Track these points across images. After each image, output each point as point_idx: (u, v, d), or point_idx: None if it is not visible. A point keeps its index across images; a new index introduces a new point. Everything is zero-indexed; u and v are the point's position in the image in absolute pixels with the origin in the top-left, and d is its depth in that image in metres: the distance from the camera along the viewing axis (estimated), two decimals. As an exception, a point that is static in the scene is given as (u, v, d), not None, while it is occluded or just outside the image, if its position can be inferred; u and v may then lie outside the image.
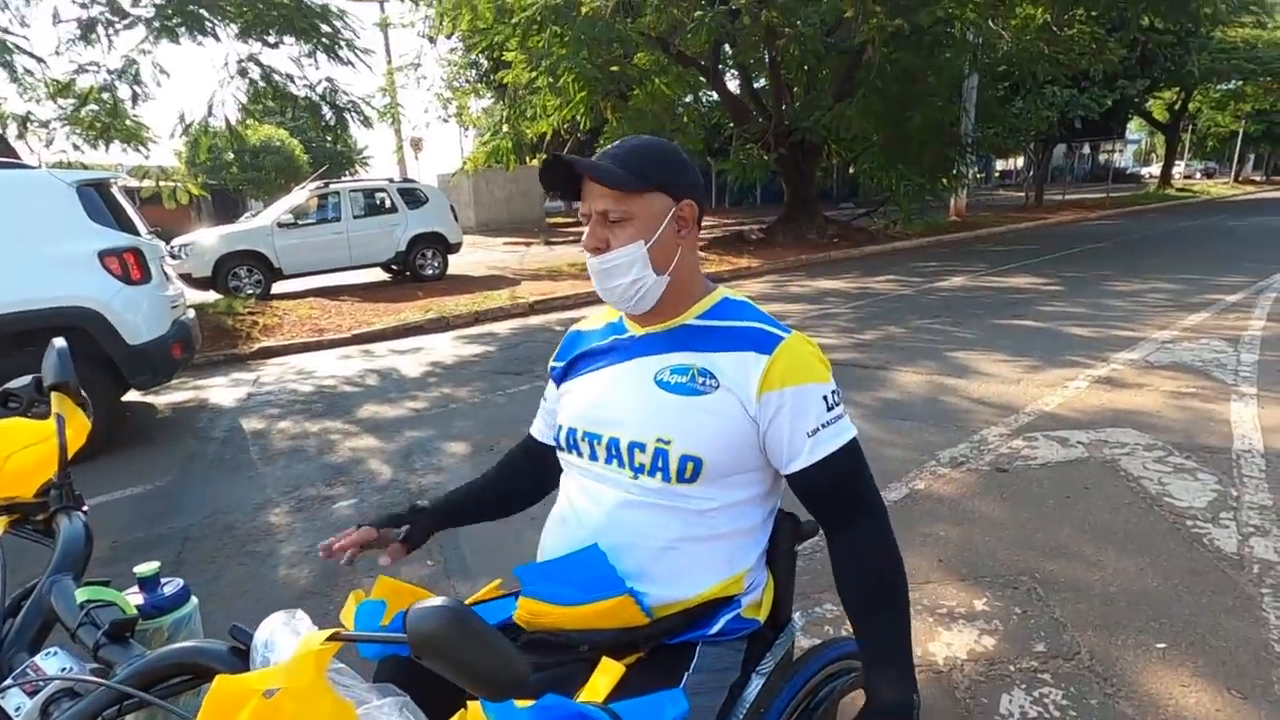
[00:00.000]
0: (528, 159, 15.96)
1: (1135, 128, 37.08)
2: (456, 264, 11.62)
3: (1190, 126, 33.39)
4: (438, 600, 0.60)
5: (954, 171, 14.20)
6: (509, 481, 1.27)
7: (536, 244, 16.22)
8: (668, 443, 0.97)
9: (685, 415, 0.97)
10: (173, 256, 8.35)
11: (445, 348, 6.64)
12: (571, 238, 17.71)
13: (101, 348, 3.97)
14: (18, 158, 6.78)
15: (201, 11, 6.98)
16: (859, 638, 0.99)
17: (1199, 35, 18.67)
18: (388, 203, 10.78)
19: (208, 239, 9.71)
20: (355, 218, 10.43)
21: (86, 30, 7.21)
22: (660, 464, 0.98)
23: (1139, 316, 6.08)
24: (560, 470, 1.19)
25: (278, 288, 9.95)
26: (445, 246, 11.10)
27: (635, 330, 1.08)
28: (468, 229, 12.92)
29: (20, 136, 8.33)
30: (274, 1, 7.25)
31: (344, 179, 14.02)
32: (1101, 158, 34.63)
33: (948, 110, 13.44)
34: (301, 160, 28.60)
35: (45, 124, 8.49)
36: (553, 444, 1.17)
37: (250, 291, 9.43)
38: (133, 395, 5.00)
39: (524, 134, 13.24)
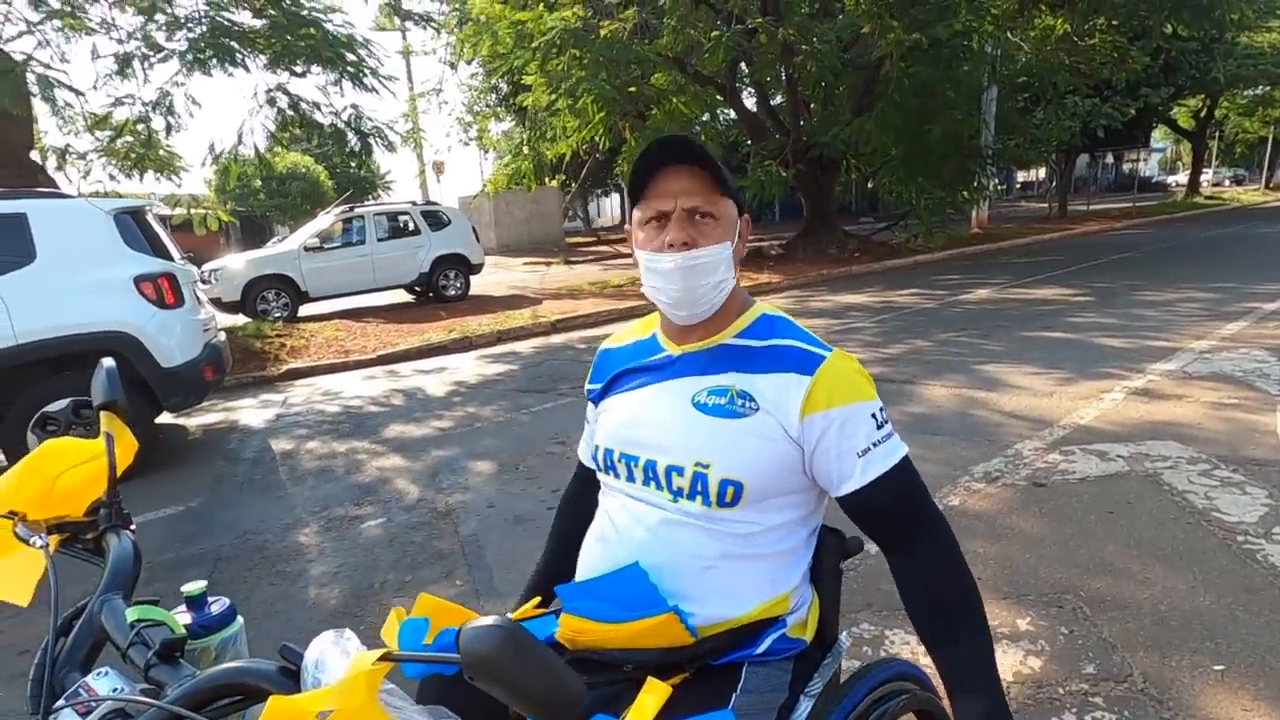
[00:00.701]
0: (547, 180, 16.16)
1: (1160, 136, 36.55)
2: (478, 284, 11.75)
3: (1217, 133, 32.88)
4: (491, 619, 0.59)
5: (975, 184, 14.10)
6: (576, 520, 1.22)
7: (556, 264, 16.34)
8: (706, 466, 0.95)
9: (724, 438, 0.95)
10: (203, 281, 8.55)
11: (469, 367, 6.68)
12: (591, 257, 17.83)
13: (136, 370, 4.06)
14: (57, 188, 7.00)
15: (233, 44, 7.19)
16: (941, 667, 0.94)
17: (1224, 41, 18.43)
18: (411, 225, 10.95)
19: (237, 264, 9.93)
20: (379, 240, 10.60)
21: (123, 64, 7.46)
22: (699, 488, 0.95)
23: (1173, 326, 5.94)
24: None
25: (304, 310, 10.13)
26: (467, 267, 11.23)
27: (672, 349, 1.05)
28: (488, 250, 13.08)
29: (59, 168, 8.63)
30: (302, 33, 7.45)
31: (368, 203, 14.28)
32: (1126, 167, 34.18)
33: (967, 123, 13.37)
34: (326, 186, 29.26)
35: (83, 156, 8.78)
36: None
37: (278, 314, 9.60)
38: (165, 417, 5.09)
39: (544, 155, 13.41)
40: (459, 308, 10.12)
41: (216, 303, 8.87)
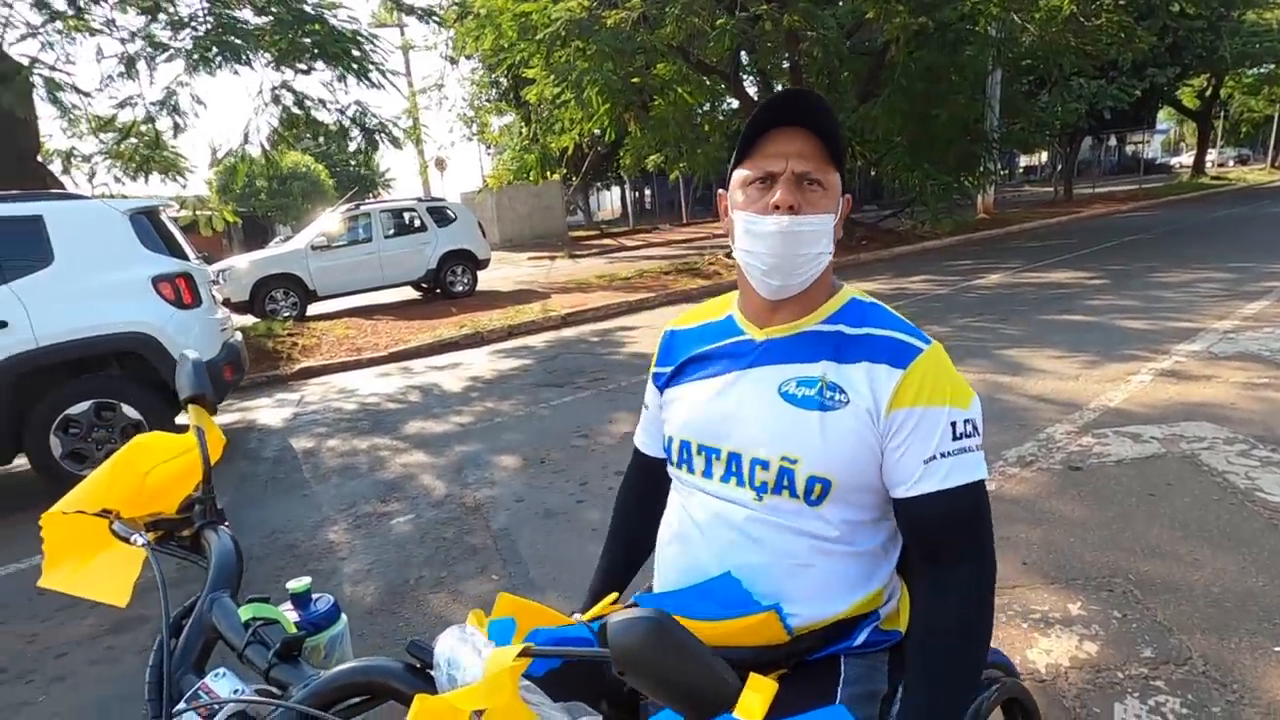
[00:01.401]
0: (549, 173, 16.05)
1: (1164, 117, 36.27)
2: (485, 280, 11.71)
3: (1222, 113, 32.62)
4: (639, 610, 0.56)
5: (981, 168, 13.99)
6: (643, 515, 1.16)
7: (561, 257, 16.29)
8: (794, 462, 0.90)
9: (813, 432, 0.89)
10: (214, 282, 8.53)
11: (483, 362, 6.65)
12: (596, 250, 17.76)
13: (156, 371, 4.04)
14: (67, 191, 6.97)
15: (237, 41, 7.14)
16: (908, 700, 0.88)
17: (1230, 19, 18.24)
18: (417, 222, 10.91)
19: (244, 264, 9.91)
20: (386, 238, 10.57)
21: (128, 65, 7.40)
22: (786, 483, 0.90)
23: (1194, 307, 5.89)
24: (669, 481, 1.14)
25: (313, 309, 10.11)
26: (474, 263, 11.19)
27: (754, 333, 0.99)
28: (492, 245, 13.02)
29: (65, 171, 8.59)
30: (307, 28, 7.39)
31: (372, 200, 14.23)
32: (1129, 149, 33.95)
33: (972, 107, 13.26)
34: (327, 185, 29.20)
35: (88, 159, 8.74)
36: (662, 456, 1.11)
37: (287, 314, 9.58)
38: (184, 418, 5.07)
39: (550, 149, 13.34)
40: (468, 303, 10.09)
41: (225, 303, 8.84)
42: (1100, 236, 12.10)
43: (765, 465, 0.91)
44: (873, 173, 20.45)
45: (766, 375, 0.95)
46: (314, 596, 0.75)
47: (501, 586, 2.60)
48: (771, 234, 0.90)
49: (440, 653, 0.60)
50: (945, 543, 0.89)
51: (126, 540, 0.71)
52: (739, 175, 0.95)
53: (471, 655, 0.60)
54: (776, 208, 0.89)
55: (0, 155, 6.91)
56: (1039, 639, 2.00)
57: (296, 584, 0.74)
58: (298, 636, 0.63)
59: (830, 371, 0.91)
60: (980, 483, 0.89)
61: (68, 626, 2.60)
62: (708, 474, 0.96)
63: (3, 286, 3.75)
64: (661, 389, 1.09)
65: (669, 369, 1.08)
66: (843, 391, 0.90)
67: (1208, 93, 26.75)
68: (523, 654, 0.57)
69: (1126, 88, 15.79)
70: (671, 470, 1.05)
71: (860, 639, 0.96)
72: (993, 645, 1.05)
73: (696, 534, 0.96)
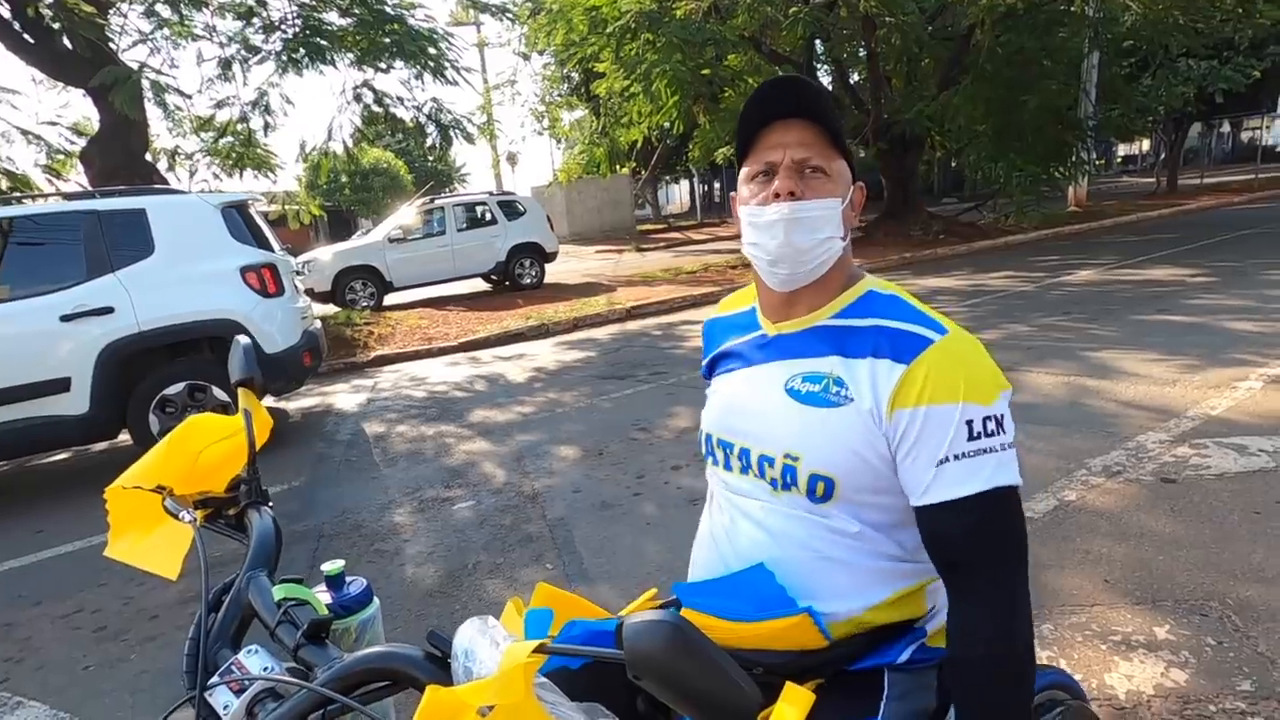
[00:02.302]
0: (618, 167, 16.14)
1: (1287, 100, 33.05)
2: (552, 272, 11.89)
3: (1357, 95, 29.41)
4: (656, 614, 0.54)
5: (1073, 158, 13.13)
6: None
7: (629, 251, 16.35)
8: (795, 459, 0.87)
9: (814, 430, 0.86)
10: (297, 274, 9.02)
11: (547, 354, 6.76)
12: (663, 244, 17.74)
13: (243, 356, 4.28)
14: (169, 186, 7.50)
15: (323, 42, 7.49)
16: None
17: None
18: (488, 215, 11.18)
19: (326, 255, 10.41)
20: (459, 231, 10.88)
21: (224, 68, 7.89)
22: (790, 480, 0.88)
23: (1316, 308, 5.35)
24: None
25: (389, 299, 10.52)
26: (542, 256, 11.38)
27: (767, 328, 0.96)
28: (561, 238, 13.21)
29: (170, 168, 9.25)
30: (387, 28, 7.67)
31: (446, 194, 14.68)
32: (1245, 136, 31.15)
33: (1064, 93, 12.45)
34: (406, 180, 30.33)
35: (190, 156, 9.38)
36: None
37: (365, 304, 10.01)
38: (268, 400, 5.38)
39: (619, 142, 13.40)
40: (535, 296, 10.26)
41: (309, 293, 9.32)
42: (1207, 231, 11.16)
43: (771, 462, 0.90)
44: (953, 163, 19.56)
45: (774, 371, 0.93)
46: (348, 579, 0.76)
47: (556, 575, 2.63)
48: (773, 222, 0.86)
49: (459, 643, 0.59)
50: (966, 559, 0.80)
51: (176, 516, 0.74)
52: (742, 173, 0.93)
53: (489, 648, 0.59)
54: (777, 195, 0.86)
55: (114, 154, 7.51)
56: (1120, 663, 1.86)
57: (331, 566, 0.76)
58: (326, 619, 0.64)
59: (838, 367, 0.87)
60: (1006, 489, 0.79)
61: (159, 591, 2.79)
62: (728, 466, 0.97)
63: (111, 275, 4.06)
64: (708, 379, 1.11)
65: (708, 359, 1.10)
66: (846, 387, 0.85)
67: (1341, 72, 24.17)
68: (538, 650, 0.55)
69: (1243, 68, 14.47)
70: (707, 464, 1.06)
71: (904, 656, 0.90)
72: (1063, 667, 0.97)
73: (721, 533, 0.97)
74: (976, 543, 0.79)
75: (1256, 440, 3.12)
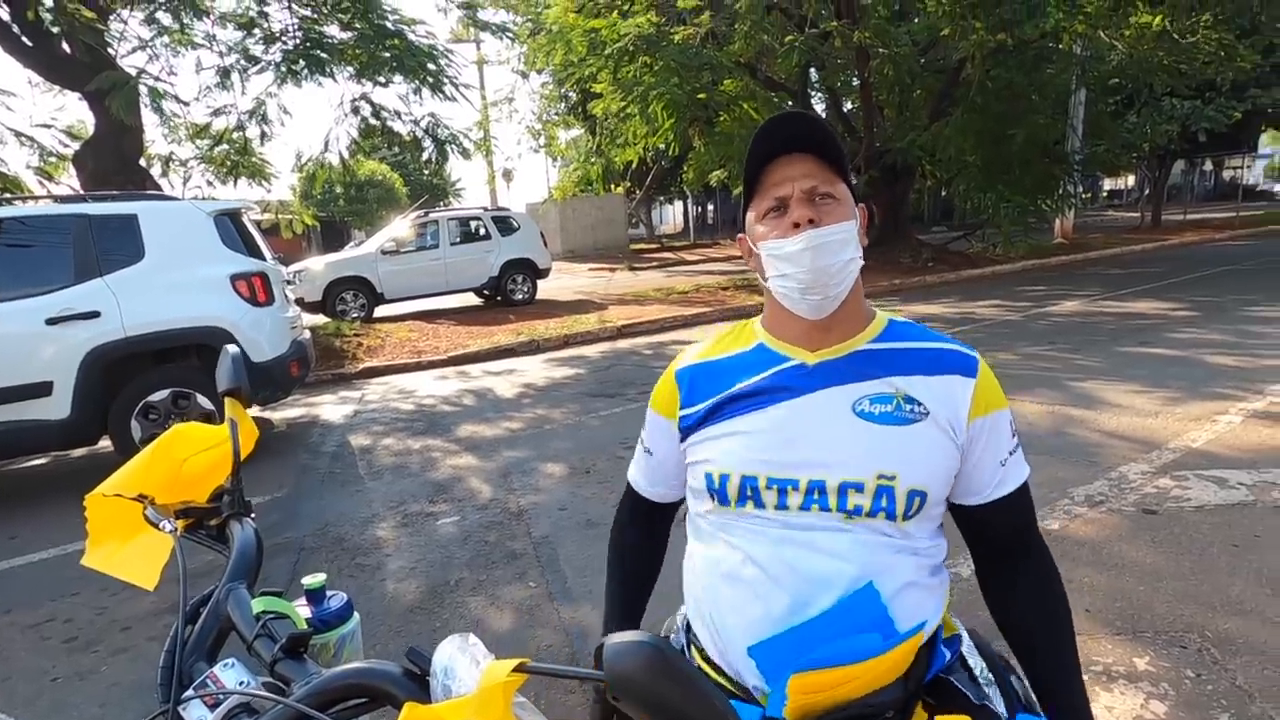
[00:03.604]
0: (613, 187, 16.24)
1: (1269, 140, 33.96)
2: (545, 289, 11.91)
3: (1334, 138, 30.22)
4: (636, 635, 0.54)
5: (1060, 191, 13.38)
6: (653, 557, 1.14)
7: (621, 270, 16.43)
8: (892, 478, 0.87)
9: (904, 447, 0.87)
10: (288, 283, 8.99)
11: (537, 370, 6.75)
12: (656, 263, 17.84)
13: (229, 365, 4.25)
14: (162, 193, 7.48)
15: (323, 55, 7.54)
16: (1046, 691, 0.90)
17: (1346, 38, 16.92)
18: (482, 230, 11.21)
19: (318, 266, 10.38)
20: (452, 245, 10.89)
21: (223, 76, 7.92)
22: (885, 503, 0.87)
23: (1294, 344, 5.44)
24: (668, 523, 1.12)
25: (380, 311, 10.49)
26: (535, 272, 11.41)
27: (805, 357, 0.94)
28: (554, 256, 13.25)
29: (164, 174, 9.23)
30: (388, 44, 7.73)
31: (440, 208, 14.72)
32: (1227, 174, 31.85)
33: (1052, 128, 12.71)
34: (401, 192, 30.39)
35: (184, 163, 9.37)
36: (676, 499, 1.09)
37: (355, 315, 9.97)
38: (253, 410, 5.33)
39: (613, 161, 13.51)
40: (526, 312, 10.27)
41: (300, 302, 9.28)
42: (1190, 266, 11.37)
43: (860, 488, 0.87)
44: (943, 193, 19.86)
45: (834, 397, 0.91)
46: (329, 594, 0.75)
47: (539, 593, 2.61)
48: (800, 251, 0.88)
49: (438, 661, 0.59)
50: (1022, 539, 0.94)
51: (156, 526, 0.74)
52: (753, 212, 0.95)
53: (468, 666, 0.59)
54: (796, 225, 0.88)
55: (107, 158, 7.49)
56: (1100, 693, 1.86)
57: (311, 580, 0.75)
58: (304, 633, 0.63)
59: (904, 385, 0.90)
60: (1028, 473, 0.95)
61: (132, 602, 2.74)
62: (782, 505, 0.89)
63: (99, 279, 4.03)
64: (687, 431, 0.99)
65: (697, 409, 0.98)
66: (920, 404, 0.89)
67: (1319, 115, 24.83)
68: (518, 669, 0.55)
69: (1225, 108, 14.86)
70: (714, 510, 0.96)
71: (948, 654, 0.91)
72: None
73: (758, 571, 0.89)
74: (1027, 522, 0.94)
75: (1235, 473, 3.15)
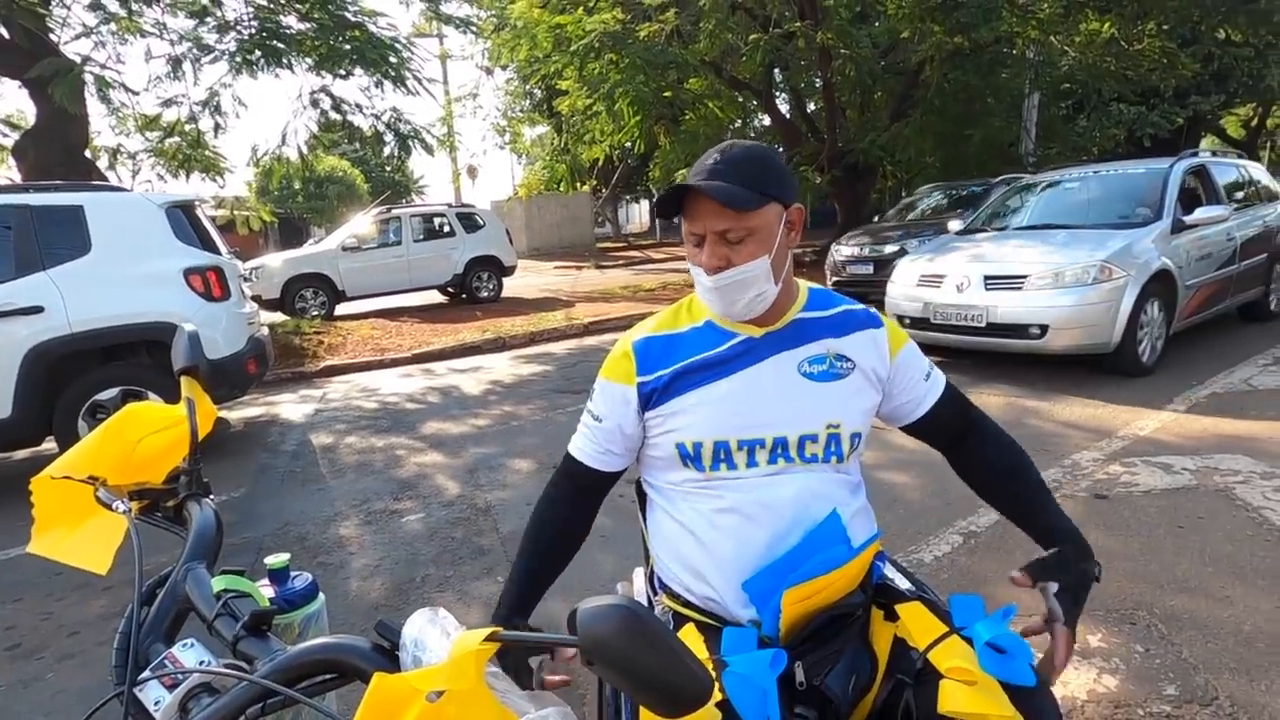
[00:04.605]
0: (579, 185, 16.18)
1: (1208, 145, 35.42)
2: (511, 286, 11.81)
3: (1269, 144, 31.78)
4: (610, 598, 0.54)
5: (1015, 191, 13.76)
6: (572, 541, 1.14)
7: (588, 268, 16.37)
8: (837, 426, 1.03)
9: (842, 398, 1.05)
10: (244, 279, 8.73)
11: (504, 367, 6.69)
12: (622, 261, 17.82)
13: (183, 362, 4.11)
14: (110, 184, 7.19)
15: (280, 46, 7.33)
16: (1030, 504, 1.09)
17: (1279, 48, 17.79)
18: (446, 227, 11.06)
19: (276, 262, 10.11)
20: (415, 242, 10.72)
21: (174, 66, 7.65)
22: (834, 448, 1.03)
23: (1235, 338, 5.70)
24: (602, 495, 1.15)
25: (341, 309, 10.26)
26: (500, 269, 11.29)
27: (752, 331, 1.07)
28: (520, 253, 13.12)
29: (111, 167, 8.88)
30: (348, 35, 7.56)
31: (404, 205, 14.48)
32: (1170, 177, 33.11)
33: (1006, 130, 13.09)
34: (362, 189, 29.77)
35: (133, 155, 9.02)
36: (618, 470, 1.12)
37: (315, 313, 9.74)
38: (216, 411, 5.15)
39: (580, 159, 13.45)
40: (492, 309, 10.17)
41: (257, 300, 9.01)
42: (1137, 264, 11.79)
43: (814, 439, 1.02)
44: (903, 193, 20.27)
45: (782, 362, 1.05)
46: (293, 574, 0.74)
47: (506, 589, 2.58)
48: (710, 289, 1.01)
49: (408, 633, 0.58)
50: (964, 419, 1.16)
51: (109, 507, 0.71)
52: (684, 228, 1.04)
53: (439, 637, 0.58)
54: (711, 268, 0.99)
55: (50, 149, 7.18)
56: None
57: (275, 560, 0.73)
58: (268, 610, 0.61)
59: (834, 345, 1.07)
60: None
61: (81, 605, 2.64)
62: (752, 464, 1.02)
63: (42, 273, 3.86)
64: (648, 398, 1.06)
65: (657, 375, 1.06)
66: (848, 360, 1.06)
67: (1254, 123, 26.07)
68: (490, 638, 0.55)
69: (1168, 114, 15.47)
70: (687, 477, 1.06)
71: (882, 567, 1.13)
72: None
73: (738, 519, 1.02)
74: (963, 408, 1.16)
75: (1180, 459, 3.29)
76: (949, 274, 5.01)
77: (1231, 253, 5.39)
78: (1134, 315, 4.46)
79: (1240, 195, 5.89)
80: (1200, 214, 4.96)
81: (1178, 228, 4.86)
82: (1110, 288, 4.40)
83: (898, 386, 1.10)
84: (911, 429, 1.16)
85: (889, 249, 7.93)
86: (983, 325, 4.75)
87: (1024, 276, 4.62)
